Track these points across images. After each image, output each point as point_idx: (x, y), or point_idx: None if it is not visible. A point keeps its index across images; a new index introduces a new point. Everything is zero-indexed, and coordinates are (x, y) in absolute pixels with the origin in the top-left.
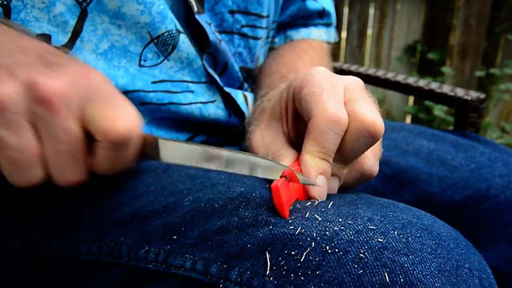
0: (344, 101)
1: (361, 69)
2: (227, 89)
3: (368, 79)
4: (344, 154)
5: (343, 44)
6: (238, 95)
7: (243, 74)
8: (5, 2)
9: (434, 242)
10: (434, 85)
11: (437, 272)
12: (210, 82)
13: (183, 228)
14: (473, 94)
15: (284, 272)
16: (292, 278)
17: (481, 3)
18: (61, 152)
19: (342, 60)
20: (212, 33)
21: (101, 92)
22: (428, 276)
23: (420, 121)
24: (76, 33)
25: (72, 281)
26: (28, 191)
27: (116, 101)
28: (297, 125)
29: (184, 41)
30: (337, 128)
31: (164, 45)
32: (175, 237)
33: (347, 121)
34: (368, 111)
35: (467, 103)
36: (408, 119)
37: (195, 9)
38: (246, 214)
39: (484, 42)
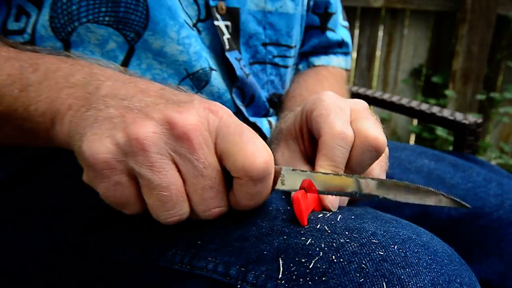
0: (350, 120)
1: (369, 92)
2: (252, 119)
3: (375, 102)
4: (353, 167)
5: (353, 65)
6: (263, 123)
7: (274, 99)
8: (65, 38)
9: (430, 257)
10: (435, 109)
11: (430, 285)
12: (238, 113)
13: (207, 235)
14: (471, 119)
15: (294, 277)
16: (301, 283)
17: (483, 32)
18: (204, 187)
19: (352, 80)
20: (240, 69)
21: (230, 126)
22: (422, 287)
23: (423, 140)
24: (123, 66)
25: (102, 281)
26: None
27: (248, 135)
28: (312, 143)
29: (216, 78)
30: (344, 143)
31: (198, 80)
32: (199, 242)
33: (352, 137)
34: (371, 128)
35: (465, 127)
36: (412, 138)
37: (227, 47)
38: (263, 224)
39: (485, 68)
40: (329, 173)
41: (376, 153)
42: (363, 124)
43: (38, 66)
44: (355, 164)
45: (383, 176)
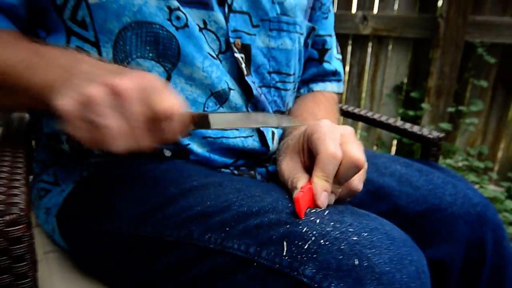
0: (340, 143)
1: (356, 110)
2: (263, 129)
3: (362, 118)
4: (339, 178)
5: (345, 81)
6: (268, 133)
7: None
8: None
9: (389, 241)
10: (407, 125)
11: (388, 261)
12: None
13: (232, 224)
14: (434, 134)
15: (294, 254)
16: (298, 258)
17: (453, 56)
18: (134, 127)
19: (344, 94)
20: (255, 89)
21: (156, 86)
22: (382, 263)
23: (403, 144)
24: None
25: (156, 256)
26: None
27: (165, 92)
28: (310, 158)
29: (234, 96)
30: (334, 161)
31: (220, 98)
32: (227, 228)
33: (341, 157)
34: (355, 150)
35: (429, 140)
36: (395, 142)
37: (245, 72)
38: (272, 217)
39: (455, 85)
40: (226, 112)
41: (357, 169)
42: (349, 147)
43: (39, 53)
44: (341, 176)
45: (361, 186)
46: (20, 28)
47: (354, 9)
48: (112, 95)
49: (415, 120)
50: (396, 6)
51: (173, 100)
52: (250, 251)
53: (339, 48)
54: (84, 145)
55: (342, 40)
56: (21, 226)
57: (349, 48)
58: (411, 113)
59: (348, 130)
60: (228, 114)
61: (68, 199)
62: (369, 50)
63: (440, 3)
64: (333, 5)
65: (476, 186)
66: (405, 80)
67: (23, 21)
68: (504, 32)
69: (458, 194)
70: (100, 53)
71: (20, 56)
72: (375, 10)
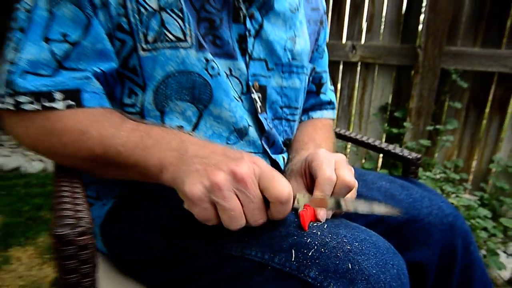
0: (334, 168)
1: (347, 133)
2: (273, 156)
3: (351, 140)
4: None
5: (337, 102)
6: (280, 159)
7: (286, 142)
8: (162, 109)
9: (375, 249)
10: (390, 147)
11: (375, 265)
12: (264, 152)
13: (251, 236)
14: (413, 155)
15: (300, 260)
16: (304, 263)
17: (431, 81)
18: (254, 208)
19: (337, 114)
20: (267, 125)
21: (267, 171)
22: (370, 267)
23: (388, 158)
24: (195, 126)
25: (186, 261)
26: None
27: (277, 177)
28: (311, 180)
29: (251, 131)
30: (330, 183)
31: (240, 133)
32: (246, 239)
33: (335, 180)
34: (347, 174)
35: (409, 160)
36: (381, 155)
37: (259, 111)
38: (283, 230)
39: (433, 107)
40: (320, 197)
41: (349, 189)
42: (342, 172)
43: (150, 135)
44: (337, 195)
45: None
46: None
47: (344, 40)
48: (235, 182)
49: (399, 137)
50: (381, 38)
51: (286, 186)
52: (265, 257)
53: (331, 81)
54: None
55: (334, 66)
56: (88, 236)
57: (340, 73)
58: (395, 130)
59: (340, 157)
60: (357, 201)
61: (110, 212)
62: (358, 75)
63: (419, 35)
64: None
65: (453, 195)
66: (390, 102)
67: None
68: (474, 61)
69: (433, 207)
70: (145, 95)
71: (133, 138)
72: (363, 41)
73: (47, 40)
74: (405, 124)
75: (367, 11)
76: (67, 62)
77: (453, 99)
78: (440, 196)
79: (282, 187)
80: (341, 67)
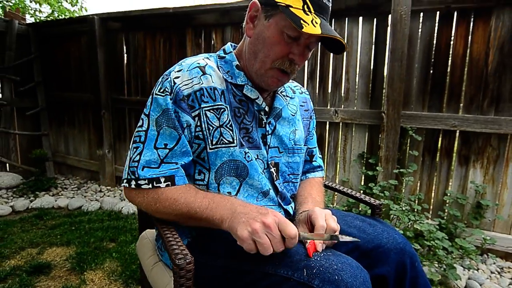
0: (325, 219)
1: (332, 184)
2: (285, 207)
3: (335, 190)
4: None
5: (324, 152)
6: (289, 208)
7: (292, 197)
8: (218, 182)
9: (350, 267)
10: (362, 196)
11: (350, 276)
12: (279, 205)
13: (277, 261)
14: (377, 202)
15: (310, 275)
16: (311, 276)
17: (394, 136)
18: (276, 242)
19: (326, 161)
20: (280, 187)
21: (282, 219)
22: (347, 277)
23: (366, 194)
24: (238, 191)
25: (239, 277)
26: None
27: (289, 224)
28: (311, 227)
29: (271, 192)
30: (323, 229)
31: (264, 194)
32: (277, 263)
33: (326, 227)
34: (333, 223)
35: (374, 205)
36: (361, 193)
37: (275, 178)
38: (297, 257)
39: (397, 155)
40: (318, 237)
41: (334, 231)
42: (329, 222)
43: (214, 200)
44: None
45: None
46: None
47: (329, 106)
48: (264, 228)
49: (374, 177)
50: (355, 105)
51: (294, 228)
52: (289, 273)
53: (319, 151)
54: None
55: (322, 125)
56: (191, 264)
57: (327, 130)
58: (370, 173)
59: (329, 212)
60: (321, 235)
61: (187, 246)
62: (340, 131)
63: (382, 104)
64: (315, 104)
65: (417, 222)
66: (365, 151)
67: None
68: (424, 121)
69: (390, 237)
70: (209, 174)
71: (204, 203)
72: (342, 107)
73: (156, 148)
74: (377, 168)
75: (344, 86)
76: (166, 159)
77: (412, 149)
78: (395, 229)
79: (292, 229)
80: (327, 126)
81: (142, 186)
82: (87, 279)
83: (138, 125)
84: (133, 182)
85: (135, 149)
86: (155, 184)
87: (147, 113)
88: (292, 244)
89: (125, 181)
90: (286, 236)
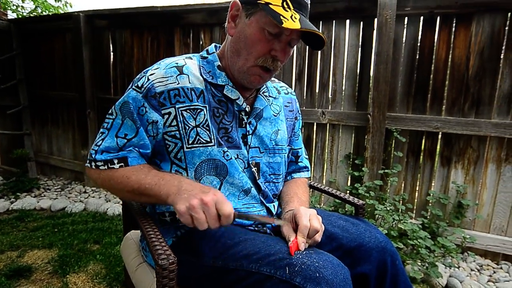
0: (309, 219)
1: (317, 185)
2: (267, 204)
3: (321, 190)
4: (309, 235)
5: (312, 153)
6: (271, 206)
7: (274, 195)
8: (198, 181)
9: (331, 265)
10: (346, 196)
11: (331, 274)
12: (261, 203)
13: (262, 259)
14: (360, 202)
15: (292, 273)
16: (293, 274)
17: (379, 137)
18: (211, 219)
19: (313, 162)
20: (263, 186)
21: (220, 199)
22: (328, 275)
23: (352, 194)
24: (218, 189)
25: (223, 276)
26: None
27: (226, 201)
28: (296, 225)
29: (253, 190)
30: (306, 229)
31: (245, 192)
32: (260, 261)
33: (309, 226)
34: (316, 223)
35: (358, 205)
36: (348, 193)
37: (257, 177)
38: (280, 255)
39: (382, 156)
40: (264, 220)
41: (317, 232)
42: (313, 222)
43: (163, 178)
44: (310, 235)
45: (319, 238)
46: (147, 160)
47: (316, 107)
48: (202, 204)
49: (360, 178)
50: (342, 106)
51: (229, 207)
52: (272, 272)
53: (306, 150)
54: (182, 223)
55: (310, 126)
56: (175, 264)
57: (315, 131)
58: (356, 173)
59: (313, 211)
60: (253, 215)
61: (172, 246)
62: (327, 132)
63: (368, 105)
64: (302, 106)
65: (401, 221)
66: (352, 152)
67: (149, 157)
68: (408, 123)
69: (372, 236)
70: (187, 174)
71: (154, 180)
72: (329, 108)
73: (116, 136)
74: (363, 169)
75: (331, 88)
76: (124, 148)
77: (396, 150)
78: (377, 229)
79: (227, 208)
80: (315, 127)
81: (100, 167)
82: (70, 282)
83: (109, 112)
84: (92, 163)
85: (101, 134)
86: (109, 166)
87: (117, 103)
88: (227, 223)
89: (88, 161)
90: (221, 214)
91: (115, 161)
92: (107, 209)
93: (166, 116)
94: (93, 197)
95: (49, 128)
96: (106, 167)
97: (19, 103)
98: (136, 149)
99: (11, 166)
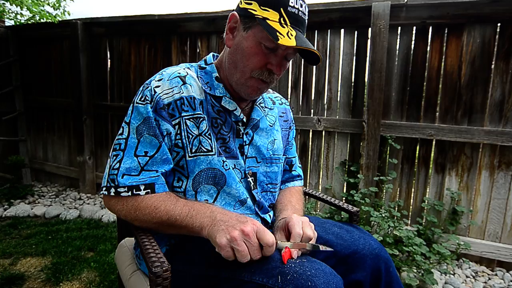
0: (302, 227)
1: (312, 192)
2: (262, 216)
3: (316, 197)
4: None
5: (308, 160)
6: (266, 217)
7: (270, 206)
8: (196, 190)
9: (324, 274)
10: (341, 203)
11: (323, 283)
12: (256, 213)
13: (253, 269)
14: (355, 209)
15: (283, 281)
16: (286, 283)
17: (374, 144)
18: (254, 250)
19: (309, 168)
20: (258, 197)
21: (261, 228)
22: (320, 284)
23: (348, 201)
24: (215, 199)
25: (216, 285)
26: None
27: (267, 232)
28: (288, 233)
29: (248, 201)
30: (299, 236)
31: (241, 203)
32: (253, 270)
33: (302, 234)
34: (309, 231)
35: (352, 212)
36: (344, 200)
37: (253, 188)
38: (273, 264)
39: (377, 163)
40: (293, 243)
41: (309, 240)
42: (306, 229)
43: (194, 208)
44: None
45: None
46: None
47: (312, 115)
48: (243, 235)
49: (355, 185)
50: (337, 114)
51: (271, 236)
52: (264, 280)
53: (299, 160)
54: (224, 257)
55: (306, 133)
56: (168, 272)
57: (310, 138)
58: (351, 180)
59: (305, 219)
60: (297, 243)
61: (166, 254)
62: (323, 139)
63: (363, 113)
64: (296, 113)
65: (397, 228)
66: (347, 158)
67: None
68: (403, 130)
69: (366, 243)
70: (188, 182)
71: (184, 210)
72: (325, 115)
73: (136, 156)
74: (358, 175)
75: (327, 95)
76: (146, 167)
77: (391, 157)
78: (371, 236)
79: (269, 238)
80: (310, 134)
81: (122, 194)
82: None
83: (119, 133)
84: (112, 190)
85: (115, 157)
86: (134, 192)
87: (127, 121)
88: (270, 252)
89: (104, 189)
90: (264, 244)
91: (141, 187)
92: (102, 216)
93: (176, 127)
94: (88, 203)
95: (44, 134)
96: (130, 193)
97: (15, 109)
98: (163, 170)
99: (6, 172)
